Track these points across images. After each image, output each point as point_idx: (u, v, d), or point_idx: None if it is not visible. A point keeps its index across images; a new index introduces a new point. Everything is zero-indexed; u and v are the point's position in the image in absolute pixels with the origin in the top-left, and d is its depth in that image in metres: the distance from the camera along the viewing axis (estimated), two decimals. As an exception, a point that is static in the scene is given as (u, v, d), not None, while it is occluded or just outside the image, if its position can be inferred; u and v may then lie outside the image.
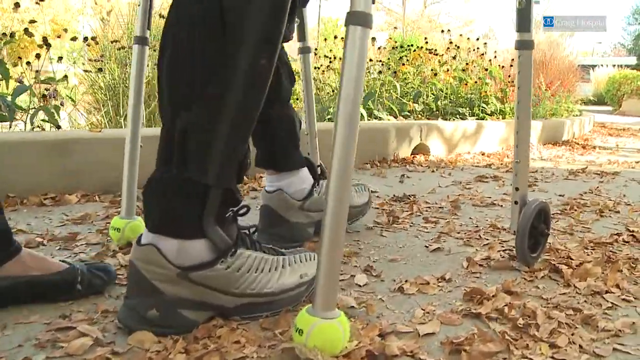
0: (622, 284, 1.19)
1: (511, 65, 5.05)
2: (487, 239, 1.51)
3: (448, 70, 4.04)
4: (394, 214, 1.73)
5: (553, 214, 1.85)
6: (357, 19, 0.78)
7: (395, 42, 4.73)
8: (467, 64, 4.23)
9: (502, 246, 1.45)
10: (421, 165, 2.90)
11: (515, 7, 1.21)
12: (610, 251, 1.43)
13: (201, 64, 0.84)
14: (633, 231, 1.63)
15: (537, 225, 1.28)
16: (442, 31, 5.63)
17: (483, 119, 4.01)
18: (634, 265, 1.31)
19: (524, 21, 1.21)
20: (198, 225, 0.86)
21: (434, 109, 3.88)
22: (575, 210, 1.92)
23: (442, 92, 3.92)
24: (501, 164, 3.11)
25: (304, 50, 1.67)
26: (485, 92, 4.14)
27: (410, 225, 1.63)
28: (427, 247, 1.43)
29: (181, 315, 0.87)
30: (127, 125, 1.40)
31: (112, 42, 3.00)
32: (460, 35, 4.95)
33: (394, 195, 2.02)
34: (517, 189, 1.26)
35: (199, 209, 0.86)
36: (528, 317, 1.00)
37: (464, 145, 3.45)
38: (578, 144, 4.75)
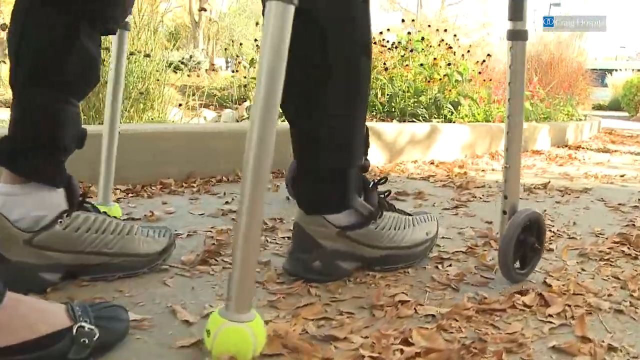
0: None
1: (484, 61, 4.47)
2: (316, 295, 1.01)
3: (407, 65, 3.46)
4: (219, 248, 1.23)
5: (458, 252, 1.34)
6: None
7: (399, 42, 4.14)
8: (434, 58, 3.65)
9: (324, 308, 0.94)
10: (342, 176, 2.36)
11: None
12: (492, 324, 0.93)
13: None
14: (550, 285, 1.12)
15: (526, 238, 1.13)
16: (445, 30, 5.10)
17: (450, 122, 3.47)
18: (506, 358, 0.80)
19: (517, 9, 1.08)
20: (343, 202, 1.07)
21: (391, 110, 3.32)
22: (491, 246, 1.40)
23: (402, 90, 3.35)
24: (446, 176, 2.55)
25: None
26: (450, 90, 3.53)
27: (225, 268, 1.13)
28: (211, 305, 0.94)
29: (337, 265, 1.06)
30: (105, 121, 1.38)
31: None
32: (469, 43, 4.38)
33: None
34: (505, 197, 1.13)
35: (343, 189, 1.06)
36: None
37: (412, 151, 2.89)
38: (570, 150, 4.20)
